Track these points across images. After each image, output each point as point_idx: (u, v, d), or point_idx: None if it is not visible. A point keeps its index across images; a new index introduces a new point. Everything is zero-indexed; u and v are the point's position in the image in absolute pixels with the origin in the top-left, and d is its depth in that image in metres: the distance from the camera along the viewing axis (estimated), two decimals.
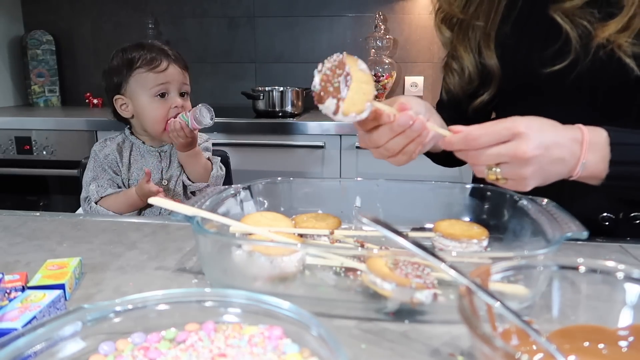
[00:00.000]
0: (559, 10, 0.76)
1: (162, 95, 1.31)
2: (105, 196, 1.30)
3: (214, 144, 1.57)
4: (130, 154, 1.37)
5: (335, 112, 0.60)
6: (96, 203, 1.30)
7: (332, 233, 0.70)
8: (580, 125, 0.65)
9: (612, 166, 0.65)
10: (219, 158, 1.47)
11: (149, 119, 1.32)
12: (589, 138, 0.64)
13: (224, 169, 1.44)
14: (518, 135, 0.61)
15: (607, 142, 0.65)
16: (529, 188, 0.64)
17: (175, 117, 1.29)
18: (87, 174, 1.35)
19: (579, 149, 0.64)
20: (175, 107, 1.30)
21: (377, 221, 0.50)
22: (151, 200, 0.64)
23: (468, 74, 0.89)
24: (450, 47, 0.92)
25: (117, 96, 1.34)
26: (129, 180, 1.35)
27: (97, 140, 2.06)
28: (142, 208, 1.33)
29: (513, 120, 0.62)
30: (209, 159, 1.41)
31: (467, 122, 0.66)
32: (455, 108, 0.96)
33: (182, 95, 1.35)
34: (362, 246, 0.69)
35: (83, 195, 1.33)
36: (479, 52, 0.87)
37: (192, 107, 1.33)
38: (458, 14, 0.87)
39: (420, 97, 1.23)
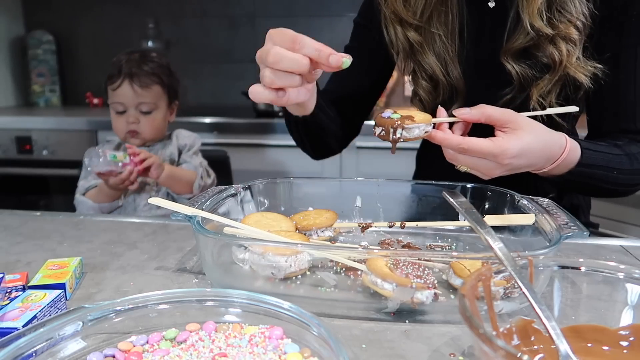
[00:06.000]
0: (506, 56, 0.83)
1: (122, 111, 1.40)
2: (90, 189, 1.37)
3: (214, 144, 1.59)
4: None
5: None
6: (84, 195, 1.37)
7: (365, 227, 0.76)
8: (564, 137, 0.73)
9: (577, 166, 0.75)
10: (205, 167, 1.49)
11: (113, 128, 1.45)
12: (568, 149, 0.73)
13: (212, 175, 1.49)
14: (499, 161, 0.67)
15: (578, 149, 0.75)
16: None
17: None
18: (81, 176, 1.44)
19: (553, 160, 0.73)
20: (129, 122, 1.40)
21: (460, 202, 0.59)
22: (151, 200, 0.64)
23: (436, 84, 0.89)
24: (414, 54, 0.89)
25: (108, 101, 1.46)
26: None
27: (97, 140, 2.08)
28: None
29: (503, 149, 0.66)
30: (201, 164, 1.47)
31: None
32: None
33: (144, 112, 1.41)
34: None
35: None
36: (444, 62, 0.87)
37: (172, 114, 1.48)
38: (411, 19, 0.85)
39: None
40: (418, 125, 0.66)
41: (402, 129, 0.66)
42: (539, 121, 0.81)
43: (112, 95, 1.40)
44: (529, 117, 0.73)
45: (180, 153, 1.48)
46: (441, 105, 0.89)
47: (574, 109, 0.78)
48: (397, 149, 0.67)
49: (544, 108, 0.81)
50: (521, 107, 0.83)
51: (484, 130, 0.70)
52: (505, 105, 0.85)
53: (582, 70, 0.79)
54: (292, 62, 0.61)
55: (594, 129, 0.90)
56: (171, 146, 1.46)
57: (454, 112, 0.70)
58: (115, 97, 1.39)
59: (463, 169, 0.71)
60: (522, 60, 0.82)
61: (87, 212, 1.36)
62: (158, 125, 1.44)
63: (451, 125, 0.72)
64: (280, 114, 2.17)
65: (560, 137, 0.73)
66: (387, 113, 0.69)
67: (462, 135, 0.72)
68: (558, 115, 0.82)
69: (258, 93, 0.64)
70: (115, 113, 1.41)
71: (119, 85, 1.38)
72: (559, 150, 0.73)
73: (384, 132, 0.67)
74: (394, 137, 0.66)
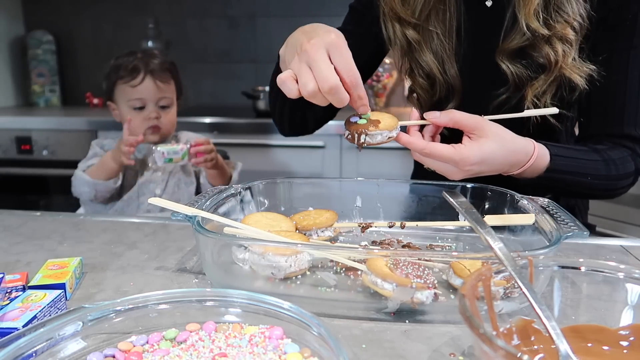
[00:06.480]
0: (502, 55, 0.83)
1: (140, 107, 1.40)
2: (90, 167, 1.38)
3: (214, 144, 1.59)
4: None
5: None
6: (84, 172, 1.37)
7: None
8: (533, 144, 0.75)
9: (546, 172, 0.77)
10: (240, 164, 1.52)
11: (127, 128, 1.43)
12: (535, 156, 0.74)
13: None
14: (459, 167, 0.69)
15: (547, 156, 0.76)
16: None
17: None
18: (83, 160, 1.44)
19: (519, 166, 0.74)
20: (150, 118, 1.40)
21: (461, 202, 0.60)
22: (151, 200, 0.64)
23: (433, 81, 0.89)
24: (411, 51, 0.89)
25: (108, 102, 1.46)
26: (123, 175, 1.42)
27: None
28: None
29: (463, 157, 0.68)
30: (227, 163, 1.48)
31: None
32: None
33: (162, 107, 1.42)
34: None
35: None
36: (442, 60, 0.87)
37: (176, 114, 1.48)
38: (410, 18, 0.85)
39: None
40: (381, 132, 0.69)
41: (366, 135, 0.69)
42: (533, 123, 0.82)
43: (131, 93, 1.39)
44: (505, 119, 0.74)
45: None
46: (437, 103, 0.90)
47: (553, 110, 0.78)
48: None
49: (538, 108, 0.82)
50: (516, 107, 0.83)
51: (457, 131, 0.72)
52: (500, 106, 0.85)
53: (578, 71, 0.79)
54: (339, 102, 0.62)
55: (583, 131, 0.91)
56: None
57: (425, 115, 0.72)
58: (136, 94, 1.39)
59: (430, 168, 0.73)
60: (518, 60, 0.83)
61: (81, 188, 1.35)
62: (174, 121, 1.46)
63: (423, 126, 0.74)
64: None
65: (528, 145, 0.74)
66: (355, 118, 0.70)
67: (433, 136, 0.74)
68: (553, 117, 0.82)
69: (290, 90, 0.64)
70: (132, 110, 1.40)
71: (141, 81, 1.38)
72: (525, 157, 0.74)
73: (350, 135, 0.70)
74: (359, 142, 0.69)
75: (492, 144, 0.70)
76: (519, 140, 0.74)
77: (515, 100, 0.84)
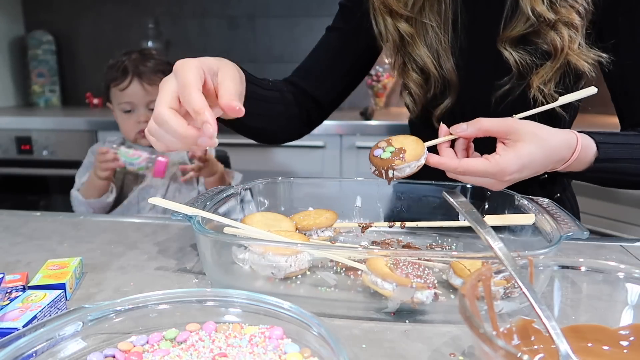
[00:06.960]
0: (504, 42, 0.81)
1: (129, 111, 1.40)
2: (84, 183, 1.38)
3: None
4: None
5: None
6: (78, 191, 1.37)
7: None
8: (575, 136, 0.70)
9: (597, 162, 0.72)
10: (241, 175, 1.52)
11: (121, 130, 1.44)
12: (579, 149, 0.69)
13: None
14: (498, 178, 0.65)
15: (594, 145, 0.72)
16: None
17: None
18: (79, 170, 1.44)
19: (564, 161, 0.70)
20: (140, 122, 1.39)
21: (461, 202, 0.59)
22: (151, 200, 0.64)
23: (428, 76, 0.86)
24: (404, 46, 0.87)
25: (107, 103, 1.47)
26: (122, 182, 1.41)
27: (97, 140, 2.08)
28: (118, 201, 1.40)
29: (501, 167, 0.64)
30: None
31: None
32: (424, 121, 0.93)
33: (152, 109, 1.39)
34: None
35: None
36: (437, 54, 0.85)
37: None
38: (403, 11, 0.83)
39: None
40: (409, 164, 0.66)
41: (394, 170, 0.67)
42: (539, 113, 0.78)
43: (120, 96, 1.38)
44: (510, 110, 0.71)
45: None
46: (432, 99, 0.87)
47: (592, 90, 0.72)
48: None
49: (544, 97, 0.79)
50: (520, 97, 0.81)
51: (489, 138, 0.68)
52: (504, 96, 0.83)
53: (585, 57, 0.77)
54: (173, 134, 0.55)
55: (626, 119, 0.87)
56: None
57: (451, 130, 0.68)
58: (125, 97, 1.38)
59: (468, 184, 0.71)
60: (521, 47, 0.80)
61: (78, 208, 1.35)
62: None
63: (454, 140, 0.70)
64: None
65: (570, 138, 0.69)
66: (379, 151, 0.68)
67: (466, 148, 0.70)
68: (561, 106, 0.78)
69: (156, 145, 0.60)
70: (123, 113, 1.39)
71: (128, 85, 1.37)
72: (568, 151, 0.69)
73: (376, 171, 0.68)
74: (387, 177, 0.67)
75: (529, 146, 0.64)
76: (558, 134, 0.68)
77: (519, 89, 0.82)
